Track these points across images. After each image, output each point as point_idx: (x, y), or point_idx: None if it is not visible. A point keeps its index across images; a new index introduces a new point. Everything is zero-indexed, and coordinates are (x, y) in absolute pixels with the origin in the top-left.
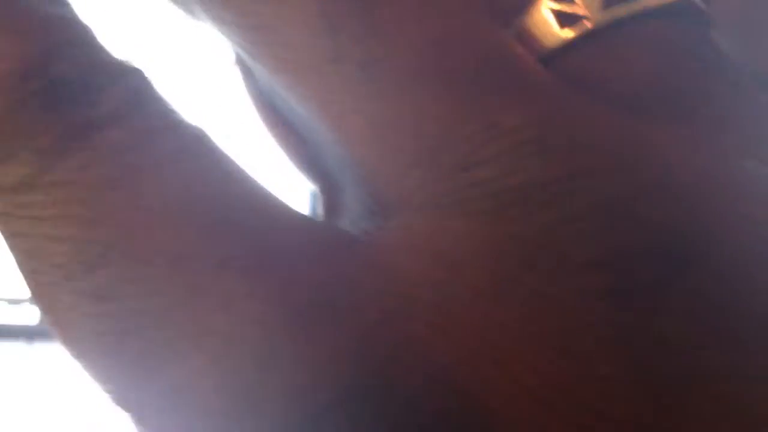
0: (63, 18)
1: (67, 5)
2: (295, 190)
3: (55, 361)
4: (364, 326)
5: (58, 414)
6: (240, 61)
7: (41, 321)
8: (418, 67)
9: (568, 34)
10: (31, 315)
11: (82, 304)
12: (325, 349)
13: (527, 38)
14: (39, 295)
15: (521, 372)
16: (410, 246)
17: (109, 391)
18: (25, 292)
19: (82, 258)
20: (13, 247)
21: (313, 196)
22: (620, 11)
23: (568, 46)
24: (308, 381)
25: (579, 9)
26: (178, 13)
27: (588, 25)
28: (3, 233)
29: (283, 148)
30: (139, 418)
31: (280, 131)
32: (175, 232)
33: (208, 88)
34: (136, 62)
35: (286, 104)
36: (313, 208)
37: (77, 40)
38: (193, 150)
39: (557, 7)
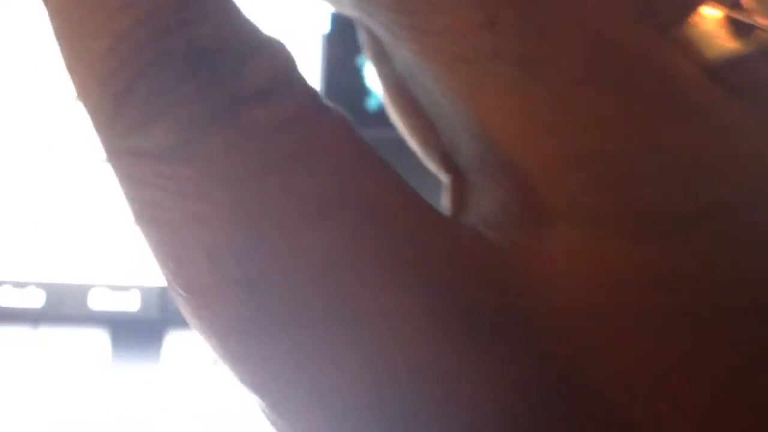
0: None
1: None
2: None
3: (61, 346)
4: (531, 358)
5: (62, 398)
6: (374, 44)
7: (46, 304)
8: (581, 71)
9: (738, 45)
10: (36, 298)
11: (227, 290)
12: (488, 378)
13: (688, 48)
14: (172, 270)
15: (697, 409)
16: (571, 269)
17: (242, 378)
18: (30, 274)
19: (230, 242)
20: (144, 216)
21: None
22: None
23: (740, 59)
24: (468, 404)
25: (753, 17)
26: None
27: (765, 36)
28: (134, 198)
29: (412, 136)
30: (275, 409)
31: (412, 119)
32: (329, 227)
33: None
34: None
35: (425, 93)
36: None
37: (218, 3)
38: (340, 136)
39: (724, 14)
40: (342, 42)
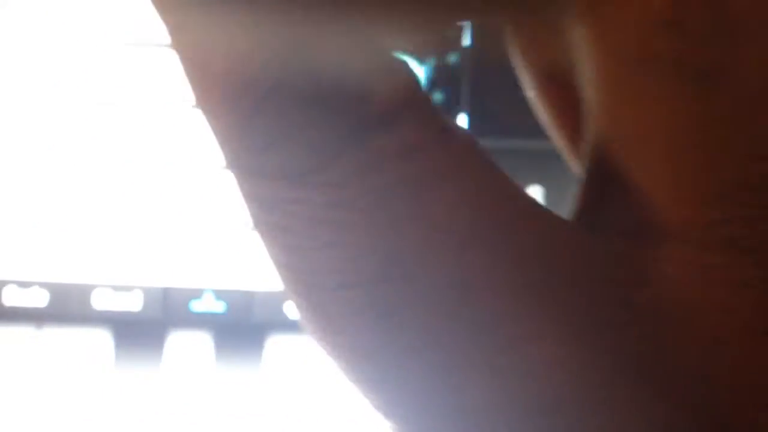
0: None
1: None
2: None
3: (65, 345)
4: (678, 396)
5: (66, 399)
6: (523, 31)
7: (50, 304)
8: (760, 89)
9: None
10: (40, 298)
11: (361, 317)
12: (634, 416)
13: None
14: (301, 294)
15: None
16: (714, 300)
17: (375, 404)
18: (35, 274)
19: (362, 269)
20: (272, 239)
21: None
22: None
23: None
24: None
25: None
26: None
27: None
28: (261, 221)
29: (557, 132)
30: (400, 423)
31: (558, 113)
32: (462, 256)
33: None
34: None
35: (579, 87)
36: None
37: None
38: (468, 162)
39: None
40: None
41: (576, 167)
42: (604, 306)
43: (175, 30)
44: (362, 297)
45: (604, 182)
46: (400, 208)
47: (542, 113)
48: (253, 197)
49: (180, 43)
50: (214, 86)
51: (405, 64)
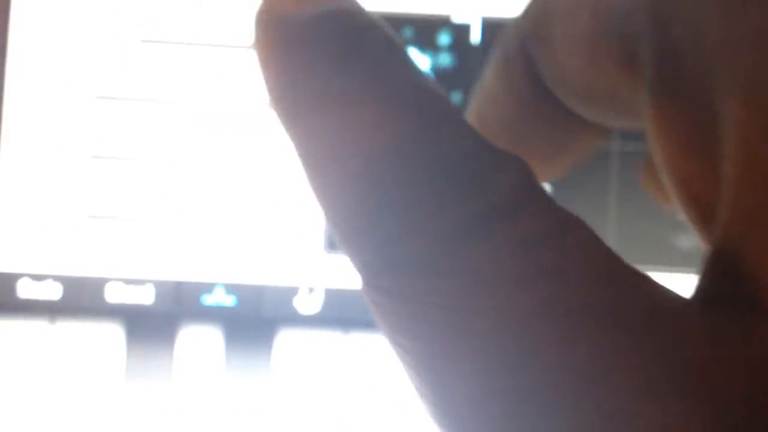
0: (431, 91)
1: (431, 77)
2: None
3: (78, 339)
4: None
5: (78, 392)
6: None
7: (63, 297)
8: None
9: None
10: (53, 291)
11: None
12: None
13: None
14: (431, 388)
15: None
16: None
17: None
18: (49, 267)
19: (498, 356)
20: (404, 330)
21: None
22: None
23: None
24: None
25: None
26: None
27: None
28: (393, 312)
29: (689, 210)
30: None
31: (692, 192)
32: (593, 341)
33: None
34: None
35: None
36: None
37: (450, 118)
38: (589, 252)
39: None
40: None
41: (704, 241)
42: (737, 385)
43: (300, 142)
44: (496, 382)
45: (732, 263)
46: (527, 297)
47: (672, 182)
48: (385, 293)
49: (306, 156)
50: (339, 186)
51: (517, 157)
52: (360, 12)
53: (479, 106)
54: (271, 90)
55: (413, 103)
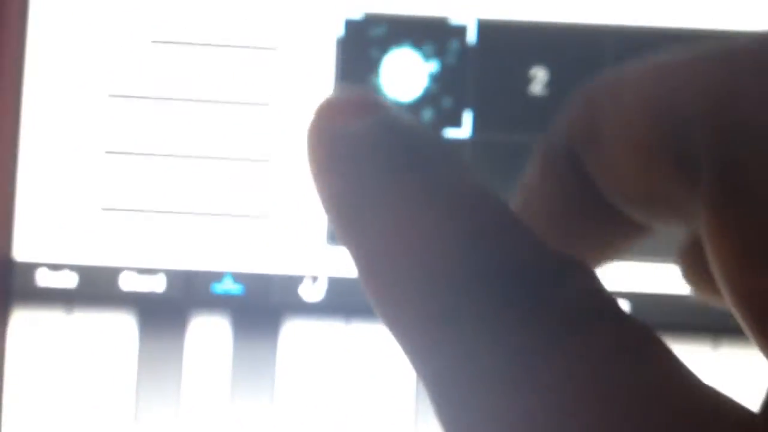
0: (489, 196)
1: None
2: None
3: (93, 328)
4: None
5: (93, 378)
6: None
7: (79, 285)
8: None
9: None
10: (70, 279)
11: None
12: None
13: None
14: None
15: None
16: None
17: None
18: (66, 257)
19: None
20: None
21: None
22: None
23: None
24: None
25: None
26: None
27: None
28: (476, 422)
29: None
30: None
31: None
32: None
33: None
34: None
35: None
36: None
37: (510, 224)
38: (666, 362)
39: None
40: (355, 46)
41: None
42: None
43: (362, 259)
44: None
45: None
46: (607, 417)
47: (731, 294)
48: (453, 404)
49: (368, 271)
50: (405, 295)
51: (581, 263)
52: (409, 119)
53: (523, 201)
54: (327, 200)
55: (472, 210)
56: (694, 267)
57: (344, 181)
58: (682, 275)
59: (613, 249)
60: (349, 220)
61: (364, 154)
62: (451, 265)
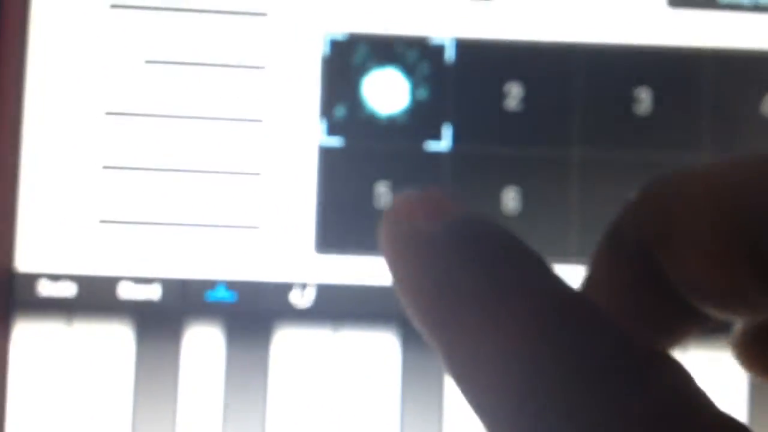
0: (574, 291)
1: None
2: None
3: (92, 335)
4: None
5: (91, 382)
6: None
7: (78, 294)
8: None
9: None
10: (69, 289)
11: None
12: None
13: None
14: None
15: None
16: None
17: None
18: (65, 268)
19: None
20: None
21: None
22: None
23: None
24: None
25: None
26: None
27: None
28: None
29: None
30: None
31: None
32: None
33: None
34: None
35: None
36: None
37: (598, 317)
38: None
39: None
40: (340, 64)
41: None
42: None
43: (449, 351)
44: None
45: None
46: None
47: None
48: None
49: (450, 346)
50: (490, 383)
51: (674, 359)
52: (486, 217)
53: (588, 293)
54: (407, 289)
55: (561, 302)
56: (752, 352)
57: (427, 274)
58: (737, 359)
59: (679, 338)
60: (432, 310)
61: (450, 253)
62: (545, 360)
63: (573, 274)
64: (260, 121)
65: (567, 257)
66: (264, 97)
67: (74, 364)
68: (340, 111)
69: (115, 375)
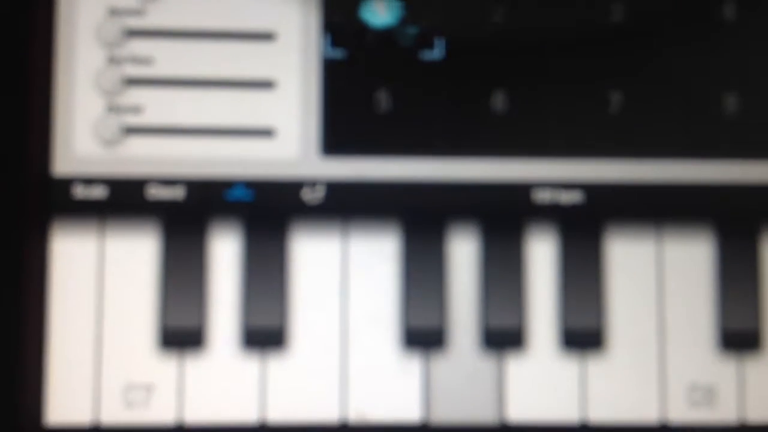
0: None
1: None
2: None
3: (121, 234)
4: None
5: (125, 286)
6: None
7: (110, 196)
8: None
9: None
10: (101, 192)
11: None
12: None
13: None
14: None
15: None
16: None
17: None
18: (96, 171)
19: None
20: None
21: None
22: None
23: None
24: None
25: None
26: None
27: None
28: None
29: None
30: None
31: None
32: None
33: None
34: None
35: None
36: None
37: None
38: None
39: None
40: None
41: None
42: None
43: None
44: None
45: None
46: None
47: None
48: None
49: None
50: None
51: None
52: None
53: None
54: None
55: None
56: None
57: None
58: None
59: None
60: None
61: None
62: None
63: (555, 170)
64: (273, 35)
65: (550, 152)
66: (276, 14)
67: (106, 261)
68: (341, 26)
69: (143, 270)
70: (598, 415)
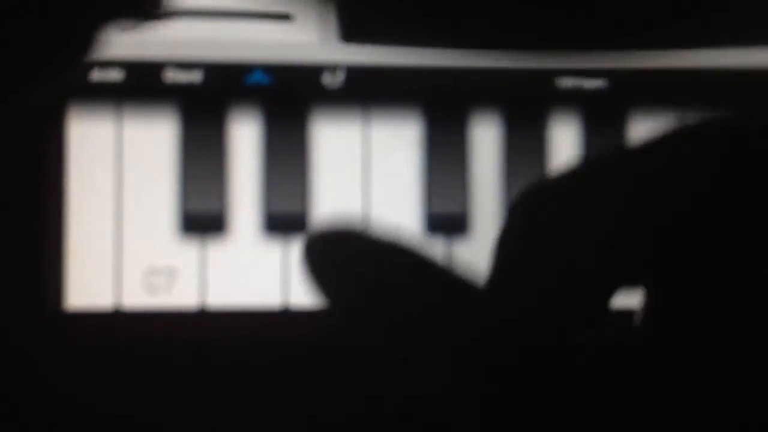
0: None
1: None
2: None
3: (139, 117)
4: None
5: (145, 167)
6: None
7: (127, 79)
8: None
9: None
10: (117, 74)
11: None
12: None
13: None
14: None
15: None
16: None
17: None
18: (113, 54)
19: None
20: None
21: None
22: None
23: None
24: None
25: None
26: None
27: None
28: None
29: None
30: None
31: None
32: None
33: None
34: None
35: None
36: None
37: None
38: None
39: None
40: None
41: None
42: None
43: None
44: None
45: None
46: None
47: None
48: None
49: None
50: None
51: None
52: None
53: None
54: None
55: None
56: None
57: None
58: None
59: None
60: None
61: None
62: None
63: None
64: None
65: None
66: None
67: (124, 145)
68: None
69: (162, 154)
70: None
